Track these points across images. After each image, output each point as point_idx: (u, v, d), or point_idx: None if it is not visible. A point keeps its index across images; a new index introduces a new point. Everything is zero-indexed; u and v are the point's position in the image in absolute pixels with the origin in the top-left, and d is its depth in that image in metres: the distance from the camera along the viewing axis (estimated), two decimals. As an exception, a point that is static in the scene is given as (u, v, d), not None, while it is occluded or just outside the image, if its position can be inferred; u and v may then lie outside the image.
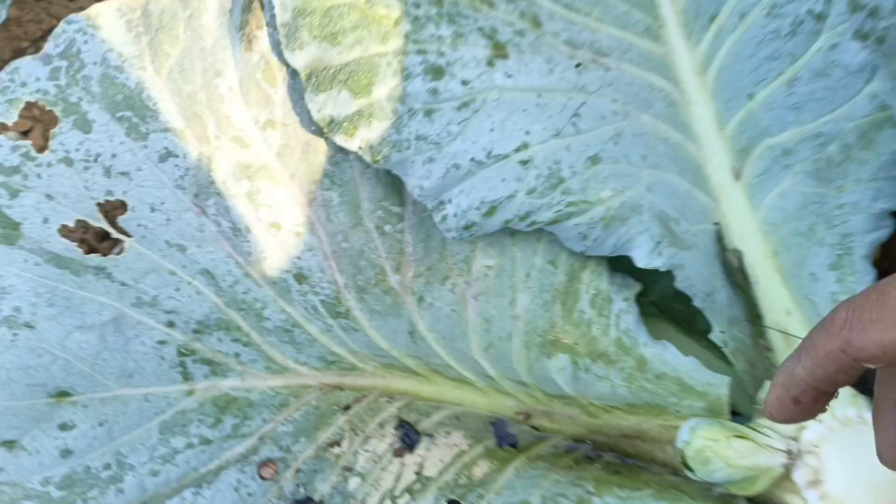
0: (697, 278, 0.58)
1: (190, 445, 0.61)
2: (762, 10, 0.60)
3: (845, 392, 0.54)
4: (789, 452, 0.53)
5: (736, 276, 0.60)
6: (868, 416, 0.46)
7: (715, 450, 0.52)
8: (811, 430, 0.54)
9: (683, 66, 0.63)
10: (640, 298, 0.68)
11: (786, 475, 0.53)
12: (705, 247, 0.61)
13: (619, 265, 0.61)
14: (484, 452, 0.65)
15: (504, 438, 0.65)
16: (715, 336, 0.58)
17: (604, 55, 0.60)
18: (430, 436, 0.65)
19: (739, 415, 0.58)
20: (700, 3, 0.63)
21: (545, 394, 0.64)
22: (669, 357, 0.58)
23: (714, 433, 0.52)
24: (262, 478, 0.62)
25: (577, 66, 0.58)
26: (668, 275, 0.59)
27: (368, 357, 0.65)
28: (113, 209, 0.56)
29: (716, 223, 0.62)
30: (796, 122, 0.59)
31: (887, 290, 0.31)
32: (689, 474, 0.53)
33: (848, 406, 0.53)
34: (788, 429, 0.54)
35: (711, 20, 0.63)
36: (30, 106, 0.54)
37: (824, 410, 0.36)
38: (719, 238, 0.61)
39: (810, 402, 0.36)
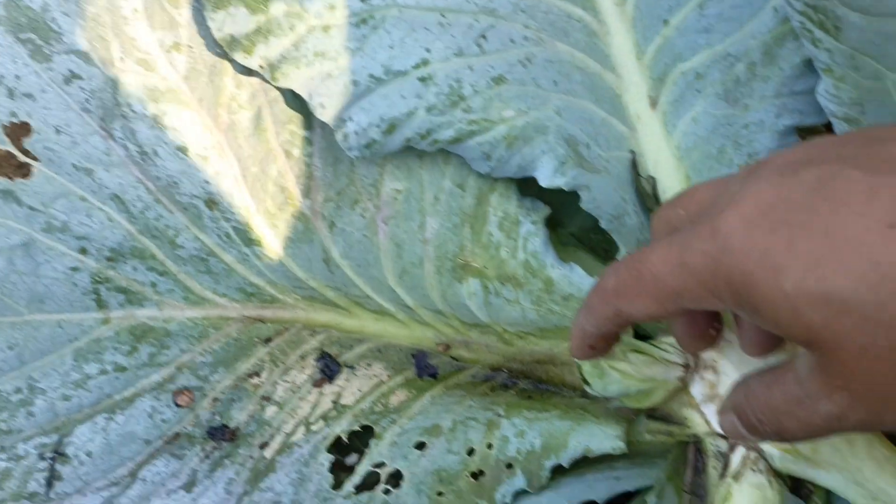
0: (605, 201, 0.59)
1: (104, 372, 0.61)
2: (674, -66, 0.61)
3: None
4: (686, 366, 0.53)
5: (648, 201, 0.61)
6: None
7: (611, 363, 0.52)
8: (710, 344, 0.54)
9: (603, -4, 0.63)
10: (560, 230, 0.69)
11: (683, 389, 0.53)
12: (618, 173, 0.61)
13: (541, 194, 0.61)
14: (403, 383, 0.65)
15: (424, 369, 0.65)
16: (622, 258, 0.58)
17: (517, -17, 0.60)
18: (351, 367, 0.66)
19: (645, 334, 0.58)
20: (615, -66, 0.63)
21: (462, 323, 0.64)
22: (576, 278, 0.58)
23: (612, 347, 0.53)
24: (178, 405, 0.63)
25: (489, -9, 0.58)
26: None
27: (289, 289, 0.65)
28: (18, 132, 0.56)
29: (631, 151, 0.62)
30: (707, 44, 0.59)
31: (642, 270, 0.37)
32: (588, 389, 0.54)
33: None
34: (688, 344, 0.54)
35: (626, -50, 0.63)
36: (-68, 27, 0.54)
37: (619, 341, 0.44)
38: (634, 165, 0.61)
39: (604, 347, 0.44)
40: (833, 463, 0.48)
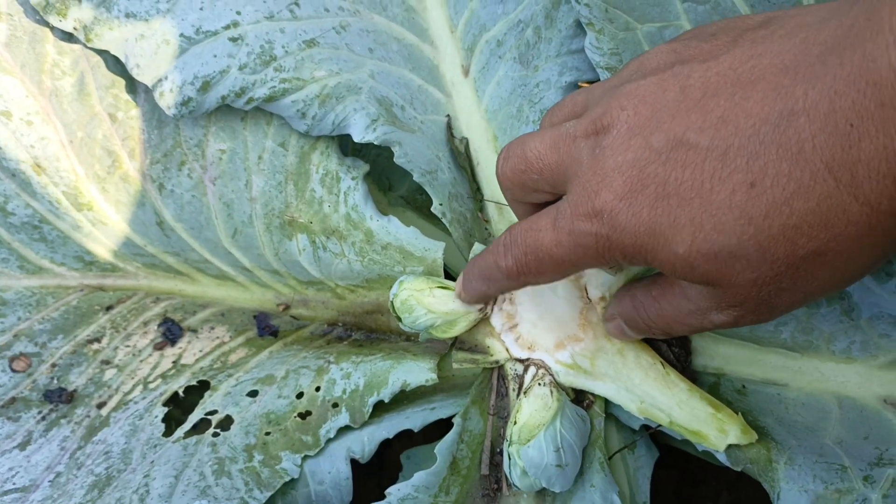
0: (418, 157, 0.62)
1: (-64, 339, 0.61)
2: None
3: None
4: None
5: (461, 159, 0.65)
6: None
7: (418, 298, 0.56)
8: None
9: (419, -26, 0.68)
10: (391, 193, 0.73)
11: (485, 320, 0.57)
12: (433, 133, 0.65)
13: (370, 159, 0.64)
14: (244, 342, 0.67)
15: (265, 329, 0.67)
16: (435, 209, 0.62)
17: (333, -41, 0.64)
18: (194, 331, 0.67)
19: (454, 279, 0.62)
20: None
21: (299, 282, 0.66)
22: (393, 228, 0.61)
23: (419, 285, 0.56)
24: (14, 371, 0.63)
25: (304, -35, 0.62)
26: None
27: (129, 257, 0.67)
28: None
29: (447, 115, 0.66)
30: (504, 13, 0.64)
31: (541, 255, 0.42)
32: (401, 325, 0.57)
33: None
34: (491, 280, 0.58)
35: (437, -69, 0.68)
36: None
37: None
38: (448, 127, 0.65)
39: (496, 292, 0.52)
40: (608, 374, 0.52)
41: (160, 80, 0.56)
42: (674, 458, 0.72)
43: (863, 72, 0.31)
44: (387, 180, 0.73)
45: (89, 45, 0.55)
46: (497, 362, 0.56)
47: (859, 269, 0.36)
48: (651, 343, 0.52)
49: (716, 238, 0.35)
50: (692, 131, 0.36)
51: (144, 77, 0.56)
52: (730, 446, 0.49)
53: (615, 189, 0.38)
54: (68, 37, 0.59)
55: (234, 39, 0.57)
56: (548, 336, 0.55)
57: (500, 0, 0.64)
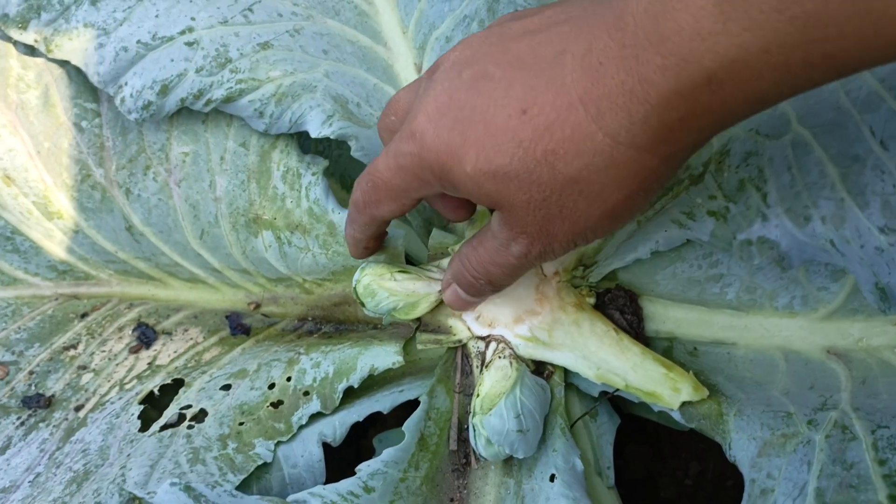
0: (375, 151, 0.64)
1: (-87, 351, 0.62)
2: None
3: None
4: (448, 281, 0.58)
5: (420, 152, 0.67)
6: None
7: (380, 283, 0.57)
8: (469, 261, 0.60)
9: (369, -20, 0.70)
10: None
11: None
12: (390, 129, 0.67)
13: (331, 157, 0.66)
14: (217, 341, 0.68)
15: (237, 328, 0.69)
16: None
17: (285, -34, 0.66)
18: (168, 334, 0.69)
19: (416, 263, 0.64)
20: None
21: (268, 280, 0.68)
22: (354, 220, 0.63)
23: (380, 270, 0.58)
24: (-7, 379, 0.64)
25: (256, -28, 0.64)
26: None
27: (101, 264, 0.68)
28: None
29: (402, 111, 0.68)
30: (450, 10, 0.66)
31: (376, 180, 0.47)
32: (364, 310, 0.59)
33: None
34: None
35: (384, -64, 0.70)
36: None
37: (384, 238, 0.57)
38: (404, 122, 0.67)
39: (375, 245, 0.56)
40: (565, 344, 0.54)
41: (120, 87, 0.58)
42: (646, 436, 0.74)
43: (614, 20, 0.36)
44: (348, 178, 0.75)
45: (50, 56, 0.57)
46: (460, 341, 0.58)
47: (618, 206, 0.40)
48: (604, 311, 0.54)
49: (493, 157, 0.40)
50: (493, 65, 0.41)
51: (105, 84, 0.58)
52: (683, 404, 0.51)
53: (428, 112, 0.43)
54: (31, 50, 0.60)
55: (189, 44, 0.59)
56: (506, 311, 0.56)
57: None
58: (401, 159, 0.45)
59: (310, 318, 0.68)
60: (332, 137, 0.62)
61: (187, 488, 0.46)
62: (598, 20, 0.37)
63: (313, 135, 0.62)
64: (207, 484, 0.52)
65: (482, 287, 0.49)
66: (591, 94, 0.37)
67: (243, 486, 0.54)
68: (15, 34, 0.57)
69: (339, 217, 0.63)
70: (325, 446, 0.58)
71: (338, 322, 0.67)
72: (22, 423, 0.63)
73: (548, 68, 0.39)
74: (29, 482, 0.57)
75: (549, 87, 0.38)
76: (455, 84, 0.42)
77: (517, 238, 0.43)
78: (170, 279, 0.69)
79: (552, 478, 0.51)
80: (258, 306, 0.69)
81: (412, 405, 0.61)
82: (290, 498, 0.48)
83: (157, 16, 0.58)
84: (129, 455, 0.55)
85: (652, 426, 0.72)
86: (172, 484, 0.46)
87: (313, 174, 0.64)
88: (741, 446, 0.47)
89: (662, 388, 0.51)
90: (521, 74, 0.40)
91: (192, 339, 0.68)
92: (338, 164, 0.71)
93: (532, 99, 0.39)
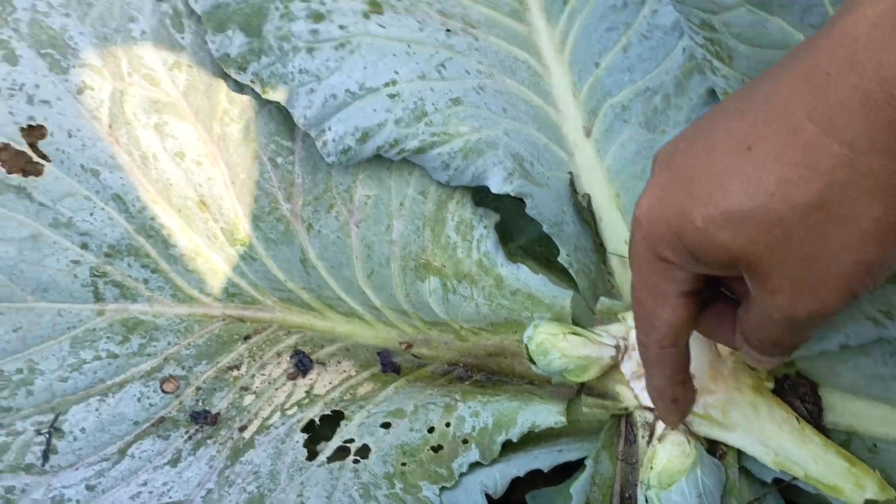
0: (547, 209, 0.63)
1: (98, 358, 0.63)
2: (602, -11, 0.67)
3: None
4: (617, 347, 0.57)
5: (584, 214, 0.66)
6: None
7: (553, 342, 0.56)
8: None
9: (544, 43, 0.70)
10: (510, 244, 0.74)
11: (615, 367, 0.57)
12: (558, 188, 0.66)
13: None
14: (369, 377, 0.68)
15: (388, 365, 0.68)
16: (562, 258, 0.62)
17: (473, 27, 0.66)
18: (323, 364, 0.68)
19: (581, 327, 0.62)
20: (557, -12, 0.70)
21: (424, 322, 0.67)
22: (522, 275, 0.62)
23: (553, 329, 0.57)
24: (164, 392, 0.65)
25: (447, 31, 0.64)
26: (532, 223, 0.64)
27: (268, 291, 0.68)
28: (34, 134, 0.59)
29: (570, 172, 0.67)
30: (630, 81, 0.65)
31: (634, 300, 0.43)
32: (534, 368, 0.57)
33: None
34: (619, 329, 0.58)
35: (565, 3, 0.70)
36: (-37, 42, 0.58)
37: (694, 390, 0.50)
38: (571, 184, 0.66)
39: (682, 391, 0.48)
40: (740, 425, 0.52)
41: (323, 131, 0.59)
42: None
43: (840, 31, 0.33)
44: (507, 231, 0.74)
45: (264, 96, 0.58)
46: (626, 409, 0.56)
47: (880, 224, 0.33)
48: (783, 398, 0.52)
49: (721, 201, 0.36)
50: (706, 132, 0.38)
51: (309, 127, 0.59)
52: (866, 501, 0.48)
53: (646, 194, 0.40)
54: (239, 87, 0.61)
55: (391, 96, 0.59)
56: (677, 385, 0.54)
57: (628, 69, 0.65)
58: (636, 252, 0.41)
59: (460, 365, 0.67)
60: (511, 195, 0.61)
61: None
62: (815, 48, 0.34)
63: (494, 190, 0.61)
64: (380, 524, 0.51)
65: (774, 352, 0.42)
66: (820, 108, 0.33)
67: (412, 529, 0.53)
68: (233, 73, 0.58)
69: (507, 271, 0.62)
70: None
71: (490, 372, 0.66)
72: (189, 438, 0.63)
73: (768, 102, 0.35)
74: (201, 497, 0.56)
75: (771, 117, 0.35)
76: (668, 162, 0.40)
77: (775, 295, 0.37)
78: (328, 311, 0.69)
79: (725, 561, 0.48)
80: (409, 346, 0.69)
81: (568, 466, 0.59)
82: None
83: (365, 67, 0.58)
84: (301, 483, 0.55)
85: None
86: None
87: (485, 227, 0.63)
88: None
89: (845, 483, 0.48)
90: (739, 122, 0.36)
91: (345, 371, 0.68)
92: (501, 223, 0.70)
93: (755, 134, 0.35)
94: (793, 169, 0.34)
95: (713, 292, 0.45)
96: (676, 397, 0.48)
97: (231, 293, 0.68)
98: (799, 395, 0.52)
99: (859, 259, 0.34)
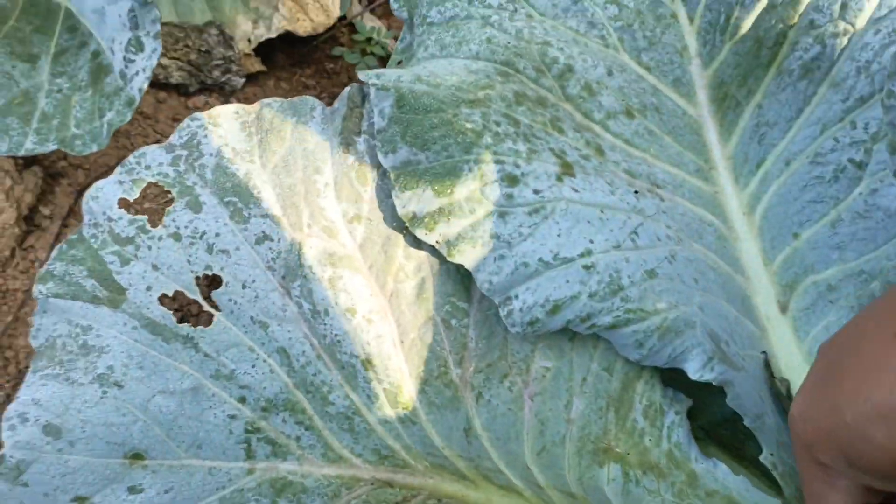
0: (747, 398, 0.56)
1: (244, 521, 0.58)
2: (806, 157, 0.62)
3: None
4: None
5: (784, 402, 0.58)
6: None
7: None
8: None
9: (731, 205, 0.64)
10: (691, 423, 0.66)
11: None
12: (753, 371, 0.58)
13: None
14: (527, 558, 0.60)
15: (553, 548, 0.61)
16: (765, 458, 0.54)
17: (659, 187, 0.62)
18: (476, 540, 0.61)
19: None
20: (748, 150, 0.65)
21: (592, 507, 0.60)
22: (720, 475, 0.54)
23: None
24: (308, 563, 0.59)
25: (635, 192, 0.60)
26: (716, 401, 0.57)
27: (421, 455, 0.63)
28: (209, 284, 0.57)
29: (763, 352, 0.60)
30: (840, 259, 0.59)
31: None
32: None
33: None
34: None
35: (758, 166, 0.64)
36: (150, 186, 0.57)
37: None
38: (767, 365, 0.59)
39: None
40: None
41: (509, 298, 0.54)
42: None
43: None
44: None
45: (450, 258, 0.54)
46: None
47: None
48: None
49: (872, 394, 0.33)
50: (861, 330, 0.37)
51: (494, 293, 0.54)
52: None
53: (798, 400, 0.39)
54: (417, 243, 0.58)
55: (586, 267, 0.54)
56: None
57: (837, 247, 0.59)
58: (798, 456, 0.41)
59: (633, 561, 0.59)
60: (713, 383, 0.54)
61: None
62: None
63: (693, 377, 0.54)
64: None
65: None
66: None
67: None
68: (420, 233, 0.55)
69: (702, 468, 0.55)
70: None
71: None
72: None
73: None
74: None
75: None
76: (826, 350, 0.39)
77: None
78: (483, 482, 0.63)
79: None
80: (573, 531, 0.61)
81: None
82: None
83: (559, 235, 0.54)
84: None
85: None
86: None
87: (676, 413, 0.56)
88: None
89: None
90: (889, 308, 0.34)
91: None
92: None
93: None
94: None
95: None
96: None
97: (382, 455, 0.63)
98: None
99: None
